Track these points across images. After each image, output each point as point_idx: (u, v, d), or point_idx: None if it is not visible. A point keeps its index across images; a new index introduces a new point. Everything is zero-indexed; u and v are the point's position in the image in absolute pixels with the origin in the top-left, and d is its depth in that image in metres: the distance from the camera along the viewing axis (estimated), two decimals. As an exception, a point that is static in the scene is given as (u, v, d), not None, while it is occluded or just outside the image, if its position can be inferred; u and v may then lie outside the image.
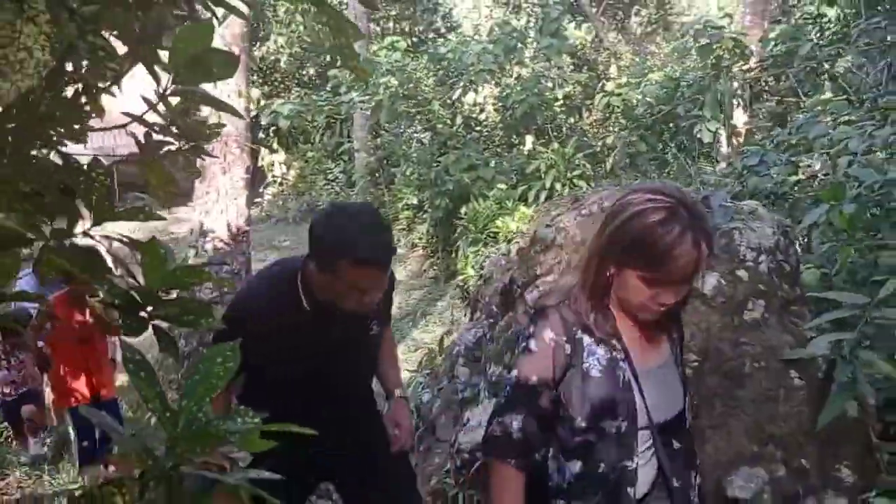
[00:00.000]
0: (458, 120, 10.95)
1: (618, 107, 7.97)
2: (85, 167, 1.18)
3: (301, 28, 13.43)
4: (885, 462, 2.64)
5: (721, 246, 3.07)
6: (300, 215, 12.04)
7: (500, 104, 11.04)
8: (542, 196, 8.83)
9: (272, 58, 14.69)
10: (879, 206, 3.19)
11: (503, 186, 9.54)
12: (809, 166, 4.29)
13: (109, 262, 1.23)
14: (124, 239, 1.24)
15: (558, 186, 8.86)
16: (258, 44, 14.34)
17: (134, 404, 5.38)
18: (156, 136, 1.24)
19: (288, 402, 2.07)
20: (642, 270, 1.53)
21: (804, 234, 3.71)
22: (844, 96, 5.15)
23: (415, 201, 10.19)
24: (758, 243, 3.09)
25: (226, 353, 1.04)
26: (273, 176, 13.17)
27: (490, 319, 3.58)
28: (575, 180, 8.84)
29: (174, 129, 1.23)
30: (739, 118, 7.32)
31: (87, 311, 3.87)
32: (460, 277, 8.75)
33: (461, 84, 10.19)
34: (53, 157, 1.19)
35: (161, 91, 1.10)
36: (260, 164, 12.42)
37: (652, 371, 1.68)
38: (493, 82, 10.39)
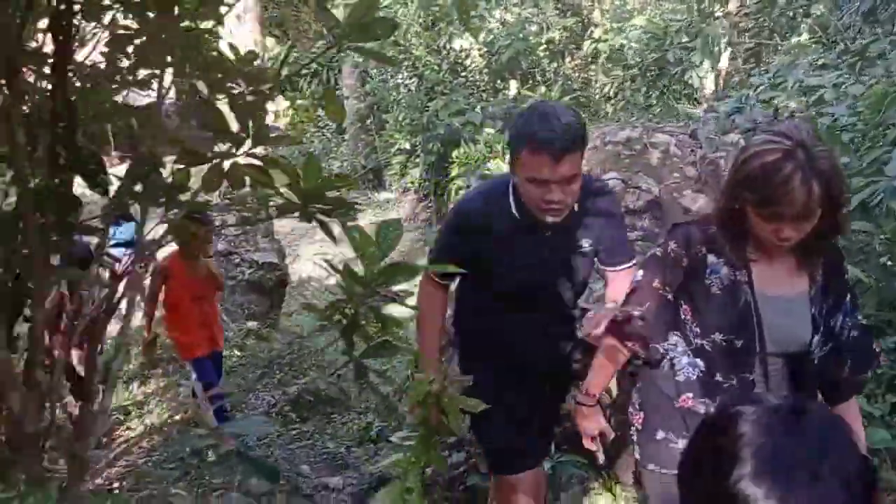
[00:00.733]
0: (445, 66, 11.31)
1: (604, 52, 8.41)
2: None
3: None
4: None
5: (709, 172, 3.60)
6: (292, 163, 12.34)
7: (485, 50, 11.40)
8: (529, 139, 9.28)
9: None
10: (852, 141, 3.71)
11: (491, 130, 9.98)
12: (786, 106, 4.80)
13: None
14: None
15: (545, 129, 9.32)
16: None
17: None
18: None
19: (502, 314, 2.27)
20: (757, 207, 1.62)
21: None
22: (818, 38, 5.64)
23: (407, 146, 10.59)
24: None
25: (392, 227, 1.52)
26: (262, 124, 13.39)
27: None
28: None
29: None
30: (722, 61, 7.81)
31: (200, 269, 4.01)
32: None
33: (448, 30, 10.52)
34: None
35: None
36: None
37: (777, 299, 1.75)
38: (481, 28, 10.73)
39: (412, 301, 1.69)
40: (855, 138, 3.65)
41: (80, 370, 1.54)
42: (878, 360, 1.90)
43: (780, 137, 1.59)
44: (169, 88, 1.53)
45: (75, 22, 1.40)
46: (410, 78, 11.46)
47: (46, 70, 1.40)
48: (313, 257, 8.48)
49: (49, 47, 1.40)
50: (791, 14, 6.60)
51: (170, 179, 1.58)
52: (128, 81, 1.52)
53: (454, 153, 9.75)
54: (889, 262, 3.11)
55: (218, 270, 4.29)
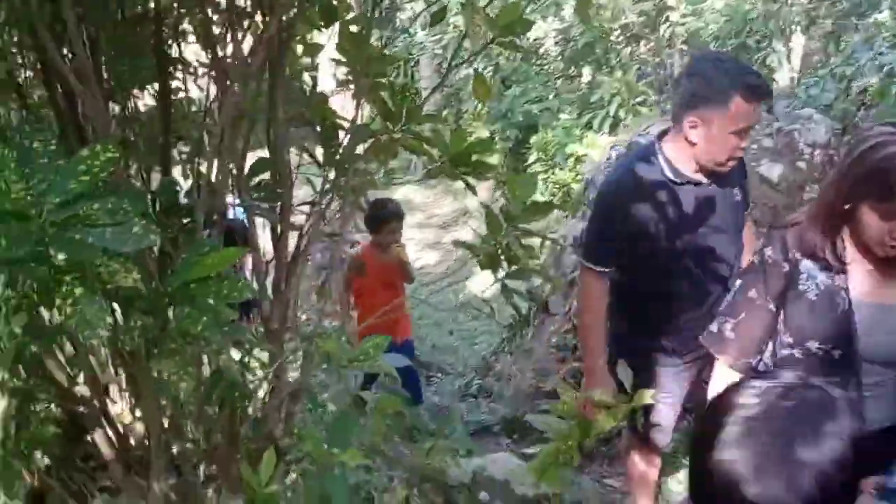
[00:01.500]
0: (519, 54, 11.73)
1: (681, 35, 8.69)
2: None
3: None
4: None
5: (784, 143, 3.96)
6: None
7: (560, 37, 11.77)
8: (608, 123, 9.62)
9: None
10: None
11: (568, 116, 10.37)
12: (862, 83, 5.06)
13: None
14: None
15: (622, 113, 9.64)
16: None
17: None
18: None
19: (668, 289, 2.25)
20: (877, 201, 1.55)
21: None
22: (896, 16, 5.82)
23: (486, 133, 11.07)
24: (812, 140, 3.98)
25: (528, 180, 2.02)
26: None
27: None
28: (638, 107, 9.60)
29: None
30: (798, 41, 7.99)
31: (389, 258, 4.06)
32: (518, 227, 9.63)
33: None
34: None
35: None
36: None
37: (880, 307, 1.68)
38: (554, 16, 11.11)
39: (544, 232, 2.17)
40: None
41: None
42: None
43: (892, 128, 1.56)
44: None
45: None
46: (486, 68, 11.93)
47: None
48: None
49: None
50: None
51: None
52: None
53: (532, 139, 10.18)
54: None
55: (408, 259, 4.28)
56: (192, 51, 1.81)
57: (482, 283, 7.76)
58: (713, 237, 2.18)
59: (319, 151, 2.01)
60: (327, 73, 3.91)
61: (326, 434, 1.71)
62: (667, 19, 8.60)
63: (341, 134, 1.96)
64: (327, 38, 1.99)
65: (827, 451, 0.90)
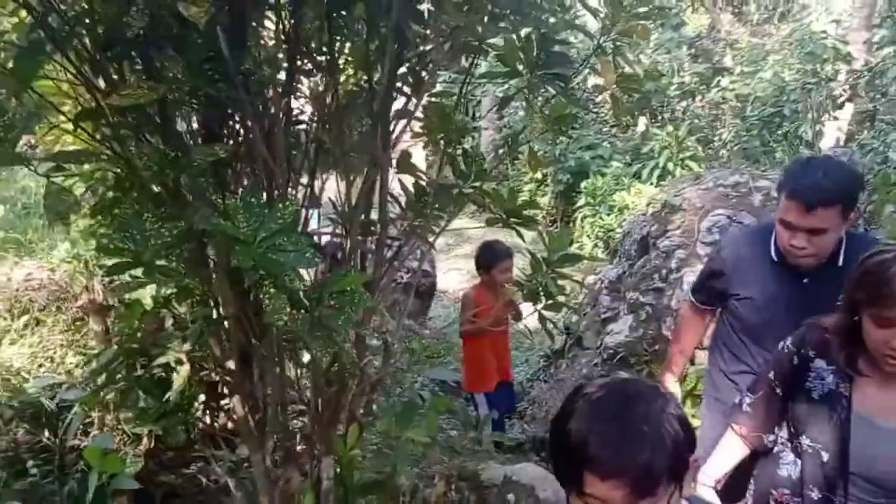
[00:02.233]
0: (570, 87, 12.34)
1: (730, 100, 9.19)
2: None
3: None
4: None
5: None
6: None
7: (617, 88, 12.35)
8: (656, 174, 10.12)
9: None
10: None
11: (619, 164, 10.90)
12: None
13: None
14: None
15: (670, 166, 10.11)
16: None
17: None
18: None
19: (750, 348, 2.40)
20: (872, 309, 1.61)
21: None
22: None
23: (539, 176, 11.65)
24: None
25: (564, 234, 2.60)
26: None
27: (629, 261, 5.09)
28: (686, 161, 10.08)
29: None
30: (845, 113, 8.42)
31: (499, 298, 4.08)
32: (575, 246, 10.15)
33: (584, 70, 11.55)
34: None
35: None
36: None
37: (874, 425, 1.69)
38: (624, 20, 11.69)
39: (577, 276, 2.75)
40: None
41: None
42: None
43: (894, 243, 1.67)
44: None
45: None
46: (532, 95, 12.57)
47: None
48: (448, 272, 9.64)
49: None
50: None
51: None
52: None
53: (582, 184, 10.71)
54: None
55: (516, 300, 4.24)
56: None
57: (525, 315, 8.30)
58: (784, 317, 2.21)
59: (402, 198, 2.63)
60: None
61: (397, 417, 2.30)
62: (718, 83, 9.11)
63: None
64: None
65: None
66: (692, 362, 3.72)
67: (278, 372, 2.22)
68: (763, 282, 2.31)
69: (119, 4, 1.64)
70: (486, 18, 2.24)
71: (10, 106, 1.69)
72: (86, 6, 1.68)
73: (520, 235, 2.76)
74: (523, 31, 2.36)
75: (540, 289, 2.61)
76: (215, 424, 2.49)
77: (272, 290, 1.62)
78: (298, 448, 2.43)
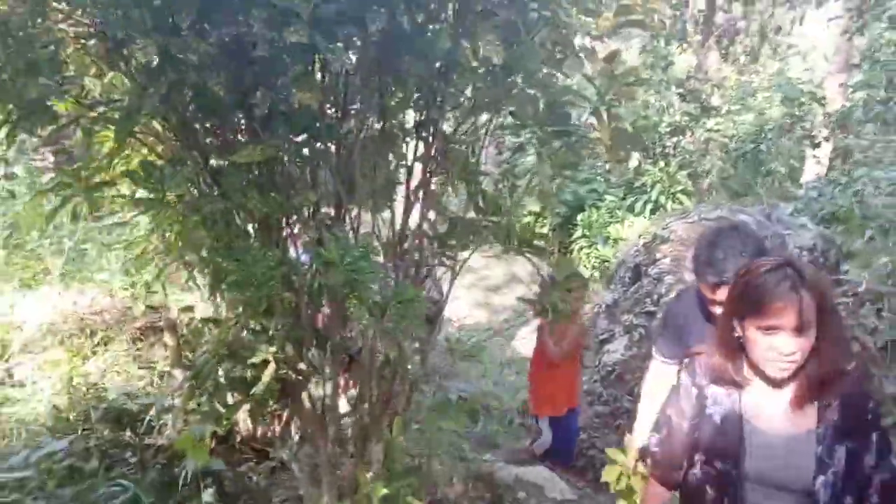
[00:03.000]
0: (573, 139, 13.03)
1: (716, 139, 9.88)
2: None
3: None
4: None
5: (777, 246, 5.02)
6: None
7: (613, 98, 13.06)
8: (648, 208, 10.74)
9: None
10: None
11: (614, 198, 11.54)
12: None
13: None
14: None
15: (662, 199, 10.74)
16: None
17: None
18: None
19: None
20: (753, 317, 1.73)
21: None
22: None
23: (536, 208, 12.26)
24: (801, 244, 5.04)
25: (566, 264, 3.17)
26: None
27: (623, 287, 5.67)
28: (677, 195, 10.71)
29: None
30: (824, 150, 9.10)
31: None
32: (561, 290, 10.67)
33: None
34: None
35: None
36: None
37: (771, 434, 1.81)
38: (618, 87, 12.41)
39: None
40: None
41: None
42: None
43: (762, 260, 1.80)
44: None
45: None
46: (542, 146, 13.24)
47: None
48: (451, 300, 10.21)
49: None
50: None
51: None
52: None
53: (578, 217, 11.31)
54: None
55: (586, 329, 4.50)
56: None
57: (524, 344, 8.85)
58: None
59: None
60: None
61: (432, 412, 2.86)
62: (704, 123, 9.80)
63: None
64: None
65: None
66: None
67: (343, 371, 2.77)
68: (699, 333, 2.45)
69: (238, 84, 2.23)
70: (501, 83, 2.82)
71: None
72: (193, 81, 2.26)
73: (532, 262, 3.33)
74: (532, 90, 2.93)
75: (548, 306, 3.17)
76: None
77: (355, 303, 2.19)
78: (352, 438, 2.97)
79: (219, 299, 2.86)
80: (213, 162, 2.45)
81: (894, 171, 5.24)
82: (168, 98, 2.10)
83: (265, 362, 2.67)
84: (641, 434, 2.86)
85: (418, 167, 3.09)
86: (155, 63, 1.98)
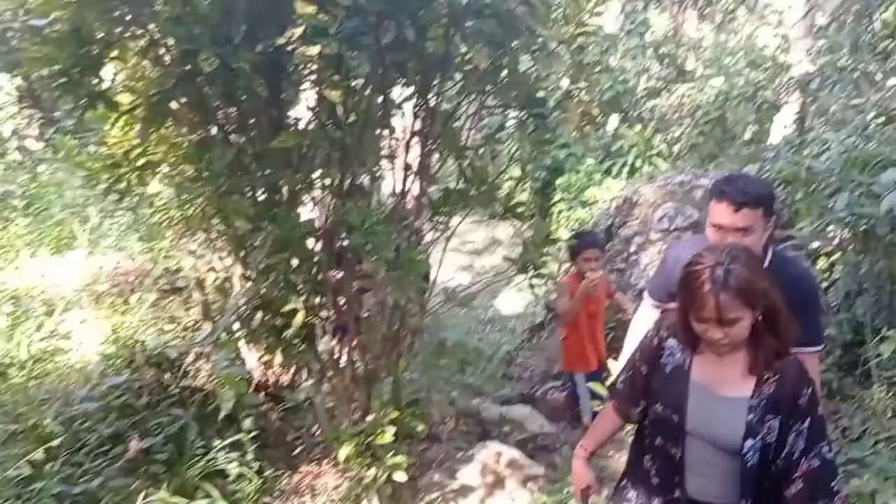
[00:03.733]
0: (551, 104, 13.60)
1: (686, 104, 10.51)
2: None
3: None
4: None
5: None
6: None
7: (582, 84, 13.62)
8: (625, 171, 11.35)
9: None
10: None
11: (592, 161, 12.14)
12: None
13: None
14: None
15: (639, 163, 11.35)
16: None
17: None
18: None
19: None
20: (691, 309, 1.95)
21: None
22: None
23: (517, 173, 12.84)
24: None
25: (542, 228, 3.81)
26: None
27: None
28: (653, 158, 11.32)
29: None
30: (789, 115, 9.75)
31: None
32: (540, 249, 11.33)
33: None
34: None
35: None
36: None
37: (710, 395, 2.02)
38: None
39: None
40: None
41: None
42: (834, 500, 1.92)
43: (705, 253, 1.95)
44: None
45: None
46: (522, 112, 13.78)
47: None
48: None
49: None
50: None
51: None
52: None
53: (557, 181, 11.90)
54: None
55: (612, 289, 4.73)
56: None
57: (506, 303, 9.52)
58: None
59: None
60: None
61: (432, 352, 3.51)
62: (677, 89, 10.41)
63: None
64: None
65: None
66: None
67: (356, 319, 3.41)
68: None
69: (276, 85, 2.81)
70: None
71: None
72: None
73: (517, 228, 3.96)
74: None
75: (529, 264, 3.81)
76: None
77: (375, 256, 2.81)
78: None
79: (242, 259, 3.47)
80: (245, 148, 3.04)
81: (843, 134, 5.86)
82: (224, 95, 2.68)
83: (294, 311, 3.30)
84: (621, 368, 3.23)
85: (414, 145, 3.69)
86: (214, 68, 2.54)
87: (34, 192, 6.10)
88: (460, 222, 3.79)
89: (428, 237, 3.92)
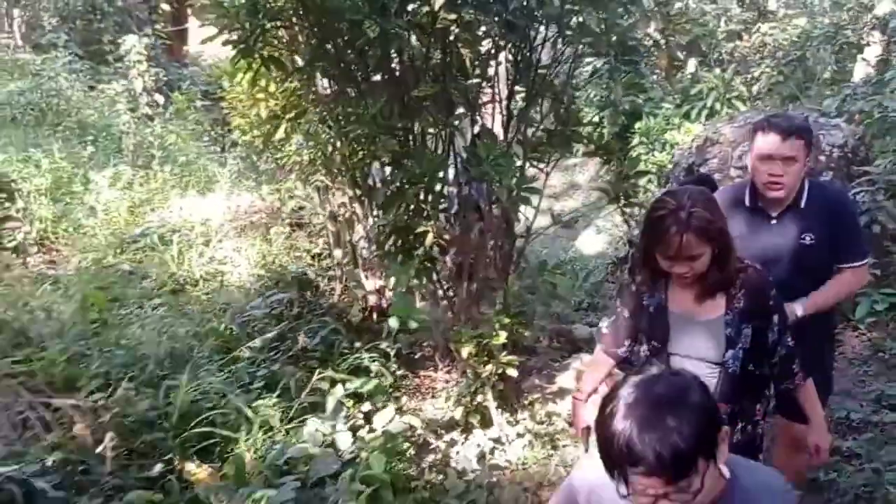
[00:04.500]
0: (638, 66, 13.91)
1: (768, 44, 10.75)
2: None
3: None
4: None
5: (814, 142, 6.12)
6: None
7: (668, 33, 13.87)
8: (704, 114, 11.67)
9: None
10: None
11: (670, 105, 12.48)
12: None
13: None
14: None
15: (717, 106, 11.64)
16: None
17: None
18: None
19: None
20: (657, 249, 2.19)
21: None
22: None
23: (595, 119, 13.29)
24: (832, 142, 6.15)
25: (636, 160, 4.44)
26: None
27: (676, 184, 6.88)
28: (733, 100, 11.59)
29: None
30: (872, 53, 9.93)
31: None
32: (631, 181, 11.84)
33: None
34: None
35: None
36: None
37: (687, 320, 2.31)
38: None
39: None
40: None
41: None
42: (795, 377, 2.36)
43: (667, 198, 2.18)
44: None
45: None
46: (598, 59, 14.14)
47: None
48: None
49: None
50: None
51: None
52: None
53: (636, 125, 12.30)
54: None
55: None
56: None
57: (586, 243, 10.13)
58: (768, 263, 2.53)
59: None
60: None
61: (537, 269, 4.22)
62: (758, 29, 10.65)
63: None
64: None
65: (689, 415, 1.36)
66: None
67: (478, 238, 4.15)
68: (739, 224, 2.73)
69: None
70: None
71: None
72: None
73: (608, 163, 4.60)
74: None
75: (621, 193, 4.45)
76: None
77: (498, 184, 3.51)
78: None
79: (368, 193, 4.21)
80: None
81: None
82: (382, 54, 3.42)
83: (425, 233, 4.05)
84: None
85: (517, 92, 4.34)
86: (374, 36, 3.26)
87: (164, 142, 7.04)
88: (558, 160, 4.44)
89: (530, 172, 4.60)
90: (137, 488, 2.78)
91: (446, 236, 4.14)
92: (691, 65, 13.32)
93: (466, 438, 4.22)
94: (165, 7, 11.93)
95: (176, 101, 8.28)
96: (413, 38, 3.40)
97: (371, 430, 3.53)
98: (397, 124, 3.69)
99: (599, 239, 10.11)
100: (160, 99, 7.81)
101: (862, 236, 2.96)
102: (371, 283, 4.98)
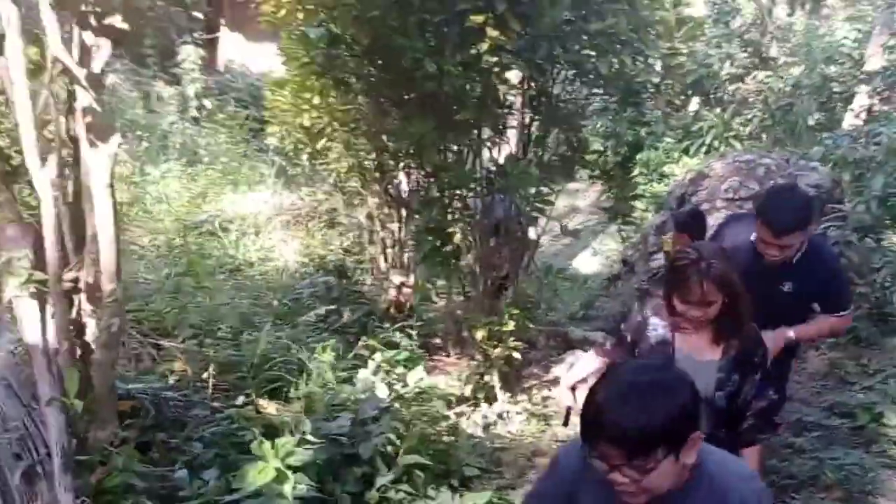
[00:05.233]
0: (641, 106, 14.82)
1: (764, 91, 11.74)
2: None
3: None
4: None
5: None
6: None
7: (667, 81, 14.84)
8: (702, 150, 12.58)
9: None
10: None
11: (671, 140, 13.39)
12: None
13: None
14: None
15: (716, 143, 12.54)
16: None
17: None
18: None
19: None
20: (677, 294, 2.49)
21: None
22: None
23: (600, 147, 14.21)
24: (809, 182, 7.07)
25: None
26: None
27: (670, 211, 7.81)
28: (730, 139, 12.50)
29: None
30: (859, 105, 10.91)
31: None
32: (629, 202, 12.77)
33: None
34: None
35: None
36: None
37: (689, 359, 2.55)
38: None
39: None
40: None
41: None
42: (774, 430, 2.79)
43: (689, 251, 2.51)
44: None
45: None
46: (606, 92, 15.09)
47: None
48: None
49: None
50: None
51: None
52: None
53: (637, 156, 13.14)
54: None
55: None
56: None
57: (583, 263, 11.02)
58: (758, 305, 2.68)
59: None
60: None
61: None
62: (755, 77, 11.63)
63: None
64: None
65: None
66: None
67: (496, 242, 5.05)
68: (745, 264, 2.92)
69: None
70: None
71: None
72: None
73: (614, 190, 5.50)
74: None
75: (619, 215, 5.36)
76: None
77: (518, 195, 4.41)
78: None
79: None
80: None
81: (893, 128, 7.16)
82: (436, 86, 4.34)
83: (453, 234, 4.96)
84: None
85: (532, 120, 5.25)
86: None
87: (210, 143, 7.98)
88: (564, 185, 5.34)
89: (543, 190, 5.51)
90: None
91: (469, 238, 5.04)
92: (694, 103, 14.20)
93: (474, 411, 5.09)
94: (199, 15, 12.86)
95: (217, 107, 9.20)
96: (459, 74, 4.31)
97: (405, 385, 4.41)
98: (439, 142, 4.60)
99: (595, 260, 11.03)
100: (208, 104, 8.73)
101: (849, 292, 3.46)
102: (396, 279, 5.86)
